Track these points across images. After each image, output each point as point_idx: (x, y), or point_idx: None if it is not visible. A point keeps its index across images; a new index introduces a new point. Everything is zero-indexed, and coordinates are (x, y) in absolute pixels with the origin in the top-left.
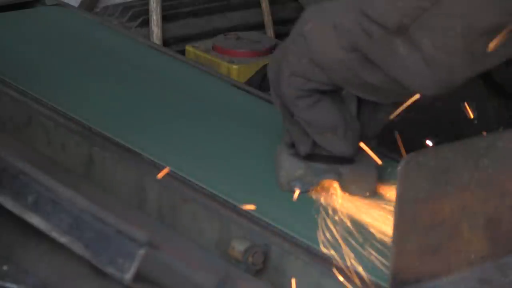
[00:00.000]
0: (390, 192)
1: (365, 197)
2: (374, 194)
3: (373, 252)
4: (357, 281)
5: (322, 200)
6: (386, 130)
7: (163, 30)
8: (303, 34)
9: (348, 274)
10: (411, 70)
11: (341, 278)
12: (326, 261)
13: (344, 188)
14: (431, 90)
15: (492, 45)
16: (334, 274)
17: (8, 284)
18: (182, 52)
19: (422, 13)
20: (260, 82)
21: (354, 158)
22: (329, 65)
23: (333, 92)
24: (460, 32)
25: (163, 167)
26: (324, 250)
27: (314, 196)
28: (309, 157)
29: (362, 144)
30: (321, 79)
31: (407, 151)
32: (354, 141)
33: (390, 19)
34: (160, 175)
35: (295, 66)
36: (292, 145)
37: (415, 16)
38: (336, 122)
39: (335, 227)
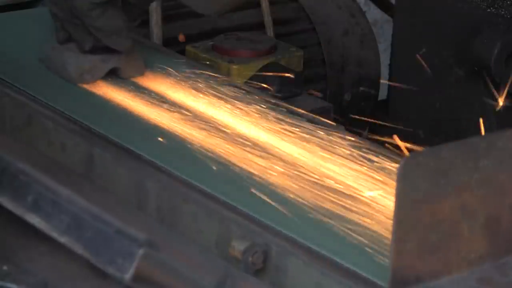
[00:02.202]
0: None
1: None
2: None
3: (373, 252)
4: (356, 281)
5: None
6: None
7: (163, 30)
8: None
9: (348, 273)
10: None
11: (341, 278)
12: (326, 261)
13: (123, 73)
14: (212, 13)
15: None
16: (334, 274)
17: (8, 284)
18: (182, 52)
19: None
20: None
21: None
22: None
23: (114, 1)
24: None
25: (163, 167)
26: None
27: None
28: (91, 51)
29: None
30: None
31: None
32: (130, 37)
33: None
34: None
35: None
36: (63, 42)
37: None
38: (120, 26)
39: None
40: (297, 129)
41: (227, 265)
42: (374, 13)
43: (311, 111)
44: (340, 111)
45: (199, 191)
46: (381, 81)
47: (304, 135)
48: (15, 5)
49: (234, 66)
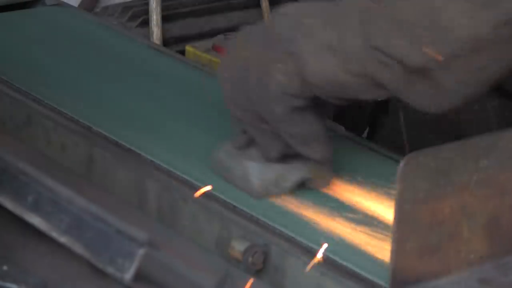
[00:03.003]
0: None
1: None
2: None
3: (373, 252)
4: (356, 281)
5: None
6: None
7: (163, 30)
8: (290, 49)
9: (348, 274)
10: (428, 100)
11: (341, 278)
12: (326, 261)
13: (312, 183)
14: (440, 111)
15: None
16: (334, 274)
17: (8, 284)
18: (182, 52)
19: (453, 59)
20: None
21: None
22: (325, 86)
23: (315, 103)
24: (493, 70)
25: (163, 167)
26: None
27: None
28: (279, 160)
29: None
30: (311, 95)
31: (408, 151)
32: (329, 144)
33: (413, 61)
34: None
35: (286, 85)
36: (242, 148)
37: (443, 61)
38: (320, 132)
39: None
40: None
41: (227, 265)
42: None
43: None
44: (340, 111)
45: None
46: None
47: None
48: (15, 5)
49: None
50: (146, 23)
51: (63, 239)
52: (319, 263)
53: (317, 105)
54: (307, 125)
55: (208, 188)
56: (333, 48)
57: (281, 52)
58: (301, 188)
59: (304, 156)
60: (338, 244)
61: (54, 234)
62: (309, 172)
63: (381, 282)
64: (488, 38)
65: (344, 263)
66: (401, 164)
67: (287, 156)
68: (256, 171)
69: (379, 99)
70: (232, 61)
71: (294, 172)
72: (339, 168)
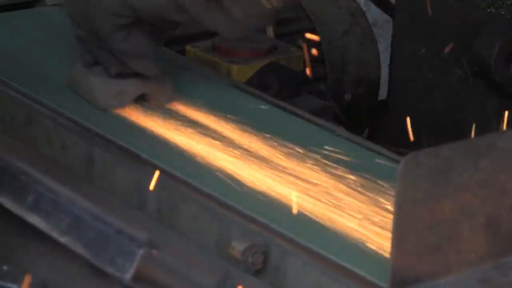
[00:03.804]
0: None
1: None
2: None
3: (373, 252)
4: (356, 281)
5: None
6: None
7: None
8: None
9: (348, 274)
10: (223, 26)
11: (341, 278)
12: (326, 261)
13: (151, 99)
14: (234, 37)
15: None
16: (334, 274)
17: (8, 284)
18: (182, 52)
19: None
20: (260, 82)
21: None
22: (142, 7)
23: (140, 23)
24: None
25: (163, 168)
26: None
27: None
28: (119, 76)
29: None
30: (132, 15)
31: (408, 151)
32: (158, 63)
33: None
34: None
35: (108, 5)
36: (90, 66)
37: None
38: (147, 49)
39: None
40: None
41: (227, 265)
42: (374, 13)
43: (311, 111)
44: (340, 111)
45: (199, 191)
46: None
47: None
48: (15, 5)
49: (234, 66)
50: None
51: (63, 239)
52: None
53: (144, 26)
54: (133, 42)
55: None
56: None
57: None
58: (144, 102)
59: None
60: (338, 244)
61: (54, 234)
62: (148, 88)
63: (381, 282)
64: None
65: (344, 263)
66: (401, 164)
67: (128, 73)
68: (99, 85)
69: (182, 21)
70: None
71: (132, 87)
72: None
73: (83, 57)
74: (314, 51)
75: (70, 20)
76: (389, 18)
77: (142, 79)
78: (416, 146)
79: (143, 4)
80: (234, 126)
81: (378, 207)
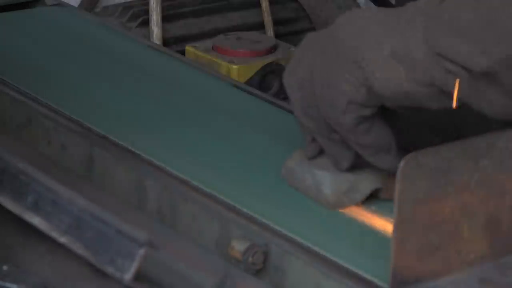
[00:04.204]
0: None
1: None
2: None
3: (374, 252)
4: (356, 281)
5: None
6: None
7: (163, 30)
8: (356, 59)
9: (348, 274)
10: (497, 104)
11: (341, 278)
12: (326, 261)
13: (384, 193)
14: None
15: None
16: (334, 274)
17: (8, 284)
18: (182, 52)
19: None
20: (260, 82)
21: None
22: (391, 95)
23: (383, 112)
24: None
25: (163, 167)
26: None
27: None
28: (351, 170)
29: None
30: (378, 104)
31: (408, 151)
32: (398, 154)
33: (479, 65)
34: None
35: (352, 95)
36: (313, 158)
37: (507, 64)
38: (390, 142)
39: None
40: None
41: (227, 265)
42: None
43: None
44: None
45: (199, 191)
46: None
47: None
48: (15, 5)
49: (234, 66)
50: (146, 23)
51: (63, 239)
52: (319, 263)
53: (385, 114)
54: (376, 134)
55: None
56: (398, 57)
57: (346, 61)
58: (373, 199)
59: (374, 166)
60: (338, 244)
61: (54, 234)
62: (381, 182)
63: (381, 282)
64: None
65: (344, 263)
66: (401, 164)
67: (358, 166)
68: (328, 181)
69: (446, 106)
70: (297, 69)
71: (365, 182)
72: None
73: (308, 148)
74: None
75: (294, 107)
76: None
77: (376, 173)
78: (416, 146)
79: (395, 92)
80: (234, 126)
81: (378, 207)
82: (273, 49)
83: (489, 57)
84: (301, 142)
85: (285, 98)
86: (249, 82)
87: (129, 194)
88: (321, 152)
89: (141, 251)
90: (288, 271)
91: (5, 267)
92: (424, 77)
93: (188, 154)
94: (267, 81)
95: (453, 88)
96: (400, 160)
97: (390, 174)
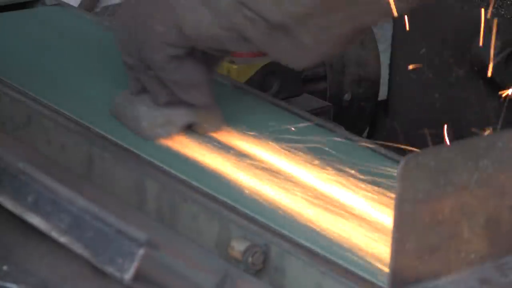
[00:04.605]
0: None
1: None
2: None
3: (373, 252)
4: (356, 281)
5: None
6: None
7: None
8: (169, 4)
9: (348, 274)
10: (290, 55)
11: (341, 278)
12: (326, 261)
13: (199, 128)
14: (301, 68)
15: None
16: (334, 274)
17: (8, 284)
18: None
19: (305, 17)
20: (260, 82)
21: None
22: (200, 38)
23: (194, 52)
24: (345, 30)
25: (163, 168)
26: None
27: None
28: (166, 105)
29: None
30: (188, 45)
31: (408, 151)
32: (210, 91)
33: (275, 17)
34: None
35: (164, 35)
36: (137, 94)
37: (298, 19)
38: (199, 79)
39: None
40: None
41: (227, 265)
42: None
43: (311, 111)
44: (340, 111)
45: (199, 191)
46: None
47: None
48: (15, 5)
49: (234, 66)
50: None
51: (63, 239)
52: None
53: (197, 55)
54: (186, 73)
55: None
56: (207, 3)
57: (161, 5)
58: (190, 131)
59: (187, 102)
60: (338, 244)
61: (54, 234)
62: (196, 117)
63: (381, 282)
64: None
65: (344, 263)
66: (401, 164)
67: (176, 102)
68: (146, 114)
69: (247, 51)
70: (123, 11)
71: (180, 117)
72: (337, 167)
73: (130, 85)
74: None
75: (119, 46)
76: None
77: (191, 108)
78: (416, 146)
79: (201, 34)
80: (233, 126)
81: (378, 207)
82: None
83: (284, 11)
84: None
85: (285, 98)
86: (249, 82)
87: (129, 194)
88: (143, 90)
89: (141, 251)
90: (288, 271)
91: (5, 267)
92: (226, 22)
93: (188, 154)
94: (267, 81)
95: (251, 34)
96: (209, 95)
97: (205, 110)
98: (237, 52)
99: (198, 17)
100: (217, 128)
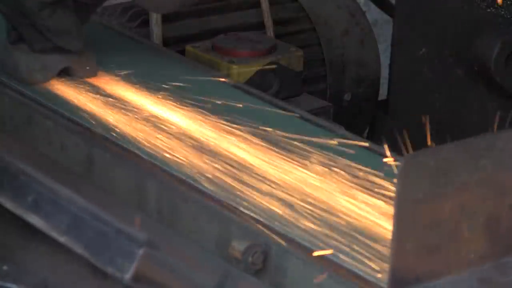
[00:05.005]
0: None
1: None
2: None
3: (373, 252)
4: (356, 280)
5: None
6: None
7: (163, 30)
8: None
9: (348, 273)
10: (149, 1)
11: (341, 278)
12: (326, 261)
13: (75, 73)
14: (163, 12)
15: None
16: (334, 274)
17: (8, 284)
18: (182, 52)
19: None
20: (260, 82)
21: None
22: None
23: (65, 1)
24: None
25: (163, 168)
26: None
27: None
28: (43, 51)
29: None
30: None
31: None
32: (81, 37)
33: None
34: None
35: None
36: (15, 42)
37: None
38: (71, 26)
39: None
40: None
41: (227, 265)
42: (374, 13)
43: (311, 111)
44: (340, 111)
45: (199, 191)
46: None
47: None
48: None
49: (234, 66)
50: (146, 23)
51: (63, 239)
52: (319, 263)
53: (68, 2)
54: (58, 19)
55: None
56: None
57: None
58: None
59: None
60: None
61: (54, 234)
62: (71, 62)
63: (381, 282)
64: None
65: (344, 263)
66: (401, 164)
67: (52, 49)
68: (23, 60)
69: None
70: None
71: (56, 62)
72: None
73: (10, 34)
74: None
75: None
76: (389, 18)
77: (66, 54)
78: (416, 146)
79: None
80: (233, 126)
81: (378, 207)
82: (273, 49)
83: None
84: None
85: (285, 98)
86: (249, 82)
87: (129, 194)
88: (21, 38)
89: (141, 251)
90: (288, 271)
91: (5, 267)
92: None
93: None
94: (267, 81)
95: None
96: (80, 41)
97: (80, 56)
98: (237, 52)
99: None
100: (93, 73)
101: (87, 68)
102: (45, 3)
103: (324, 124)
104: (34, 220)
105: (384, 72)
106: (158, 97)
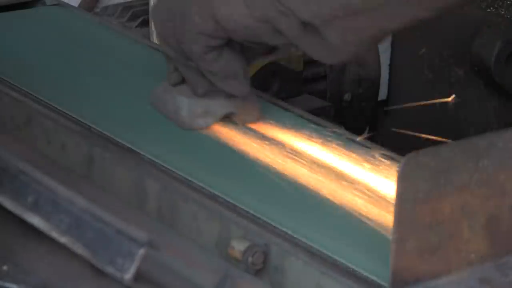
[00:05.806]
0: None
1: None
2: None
3: (374, 252)
4: (357, 280)
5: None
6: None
7: None
8: None
9: (348, 273)
10: (320, 52)
11: (341, 278)
12: (326, 261)
13: (238, 118)
14: (332, 63)
15: None
16: (334, 274)
17: (8, 284)
18: None
19: (331, 18)
20: (260, 82)
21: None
22: (235, 29)
23: (231, 43)
24: (371, 33)
25: (163, 167)
26: None
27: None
28: (206, 95)
29: None
30: (225, 36)
31: (407, 151)
32: (248, 81)
33: (303, 15)
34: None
35: (201, 26)
36: (176, 85)
37: (324, 20)
38: (237, 70)
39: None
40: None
41: (227, 265)
42: None
43: (311, 111)
44: (340, 111)
45: (199, 191)
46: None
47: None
48: (15, 5)
49: None
50: (146, 23)
51: (63, 239)
52: (319, 263)
53: (235, 46)
54: (224, 63)
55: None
56: None
57: None
58: (229, 121)
59: (227, 92)
60: (338, 243)
61: (54, 234)
62: (234, 107)
63: (381, 282)
64: (359, 5)
65: (344, 263)
66: (401, 164)
67: (215, 92)
68: (185, 104)
69: (281, 45)
70: (160, 4)
71: (218, 107)
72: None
73: (170, 76)
74: None
75: (159, 38)
76: None
77: (229, 98)
78: (416, 146)
79: (236, 25)
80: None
81: (379, 207)
82: (273, 49)
83: (311, 10)
84: None
85: (285, 98)
86: None
87: (129, 194)
88: (183, 80)
89: (141, 251)
90: (288, 271)
91: (5, 267)
92: (260, 15)
93: (189, 154)
94: (267, 81)
95: (284, 27)
96: (246, 85)
97: (244, 101)
98: None
99: (232, 8)
100: (256, 118)
101: (250, 112)
102: (212, 46)
103: (324, 124)
104: (34, 220)
105: (384, 72)
106: None
